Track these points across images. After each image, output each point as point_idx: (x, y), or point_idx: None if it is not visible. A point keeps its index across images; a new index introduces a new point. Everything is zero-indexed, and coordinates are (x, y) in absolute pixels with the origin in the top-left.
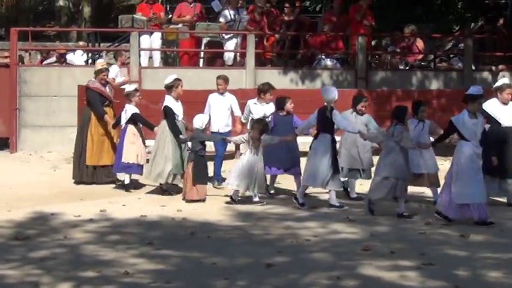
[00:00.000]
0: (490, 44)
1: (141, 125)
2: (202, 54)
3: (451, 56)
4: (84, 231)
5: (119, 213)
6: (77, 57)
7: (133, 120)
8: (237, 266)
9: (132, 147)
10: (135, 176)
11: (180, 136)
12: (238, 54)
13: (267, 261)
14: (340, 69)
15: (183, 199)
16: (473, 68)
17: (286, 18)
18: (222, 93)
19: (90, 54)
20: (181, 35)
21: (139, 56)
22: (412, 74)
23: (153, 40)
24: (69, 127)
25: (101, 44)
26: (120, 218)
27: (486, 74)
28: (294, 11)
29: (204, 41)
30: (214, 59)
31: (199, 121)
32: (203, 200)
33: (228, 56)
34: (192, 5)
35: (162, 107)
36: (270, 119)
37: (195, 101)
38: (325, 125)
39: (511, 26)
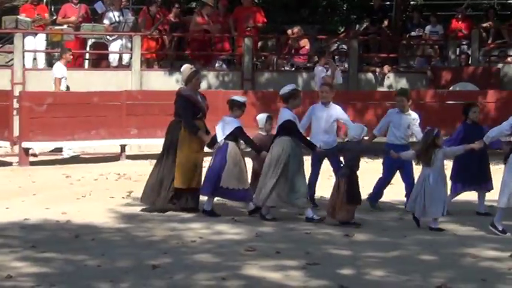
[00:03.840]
0: (375, 46)
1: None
2: (87, 55)
3: (336, 57)
4: None
5: (1, 216)
6: None
7: (235, 136)
8: (121, 268)
9: (235, 170)
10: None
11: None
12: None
13: (152, 262)
14: (226, 70)
15: (331, 220)
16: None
17: (172, 19)
18: (326, 104)
19: None
20: (66, 36)
21: (24, 57)
22: (298, 74)
23: (38, 41)
24: None
25: None
26: (2, 221)
27: (370, 75)
28: (179, 12)
29: (89, 42)
30: (100, 61)
31: (357, 131)
32: (353, 224)
33: (114, 58)
34: (76, 6)
35: (284, 121)
36: (459, 129)
37: (80, 103)
38: None
39: (396, 27)
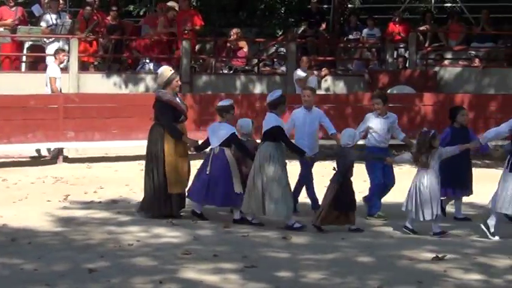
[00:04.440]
0: (313, 49)
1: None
2: (24, 58)
3: (275, 60)
4: None
5: None
6: None
7: (228, 142)
8: (58, 271)
9: (239, 174)
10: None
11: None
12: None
13: (88, 266)
14: None
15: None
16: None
17: (110, 22)
18: (308, 108)
19: None
20: (2, 38)
21: None
22: (236, 77)
23: None
24: None
25: None
26: None
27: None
28: (117, 15)
29: (26, 45)
30: (37, 64)
31: (350, 137)
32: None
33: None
34: (13, 9)
35: (272, 127)
36: (446, 132)
37: (15, 106)
38: None
39: (333, 30)
